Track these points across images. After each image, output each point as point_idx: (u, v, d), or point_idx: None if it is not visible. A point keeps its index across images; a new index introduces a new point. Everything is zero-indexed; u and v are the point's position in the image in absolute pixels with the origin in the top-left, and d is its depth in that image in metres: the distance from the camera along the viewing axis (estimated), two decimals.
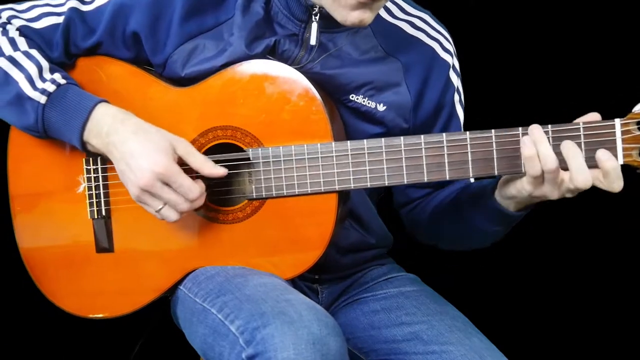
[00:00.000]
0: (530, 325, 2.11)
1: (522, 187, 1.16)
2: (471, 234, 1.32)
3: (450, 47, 1.37)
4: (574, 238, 2.09)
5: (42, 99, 1.26)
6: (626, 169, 1.14)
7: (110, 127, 1.24)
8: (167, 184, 1.21)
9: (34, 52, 1.29)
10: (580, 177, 1.11)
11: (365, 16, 1.19)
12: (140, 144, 1.22)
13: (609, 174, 1.10)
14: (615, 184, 1.11)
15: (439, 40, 1.35)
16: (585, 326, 2.09)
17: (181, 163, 1.23)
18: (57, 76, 1.28)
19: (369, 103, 1.31)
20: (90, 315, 1.36)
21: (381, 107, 1.31)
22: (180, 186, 1.21)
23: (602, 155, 1.11)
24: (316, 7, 1.25)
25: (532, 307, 2.10)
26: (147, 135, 1.23)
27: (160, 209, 1.23)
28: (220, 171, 1.24)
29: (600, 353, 2.07)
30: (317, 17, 1.26)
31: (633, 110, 1.14)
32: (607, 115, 1.15)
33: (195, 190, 1.22)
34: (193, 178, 1.23)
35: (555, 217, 2.00)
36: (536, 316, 2.11)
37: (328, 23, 1.27)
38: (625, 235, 2.05)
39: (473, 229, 1.30)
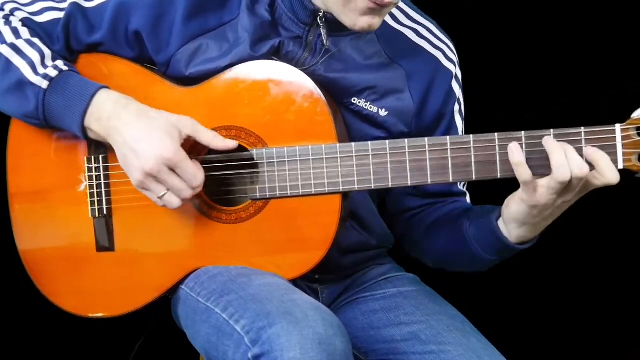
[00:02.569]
0: (530, 326, 2.13)
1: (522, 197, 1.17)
2: (462, 258, 1.33)
3: (454, 57, 1.38)
4: (573, 240, 2.11)
5: (44, 84, 1.25)
6: (625, 173, 1.17)
7: (112, 112, 1.23)
8: (172, 170, 1.21)
9: (37, 41, 1.29)
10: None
11: (374, 21, 1.21)
12: (145, 129, 1.21)
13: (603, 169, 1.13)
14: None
15: (443, 50, 1.36)
16: (584, 326, 2.11)
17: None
18: (60, 63, 1.27)
19: (370, 107, 1.32)
20: (90, 315, 1.36)
21: (383, 112, 1.33)
22: (186, 172, 1.22)
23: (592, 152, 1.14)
24: (321, 12, 1.26)
25: (532, 307, 2.12)
26: (151, 120, 1.22)
27: (163, 195, 1.22)
28: (230, 144, 1.25)
29: (599, 353, 2.10)
30: (323, 21, 1.27)
31: (632, 116, 1.17)
32: (607, 121, 1.18)
33: (200, 177, 1.22)
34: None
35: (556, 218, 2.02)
36: (535, 316, 2.12)
37: (332, 27, 1.27)
38: (625, 239, 2.08)
39: (466, 253, 1.30)
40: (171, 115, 1.25)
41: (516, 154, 1.16)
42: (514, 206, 1.20)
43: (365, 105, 1.32)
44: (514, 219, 1.21)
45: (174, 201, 1.23)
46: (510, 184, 1.27)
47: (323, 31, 1.27)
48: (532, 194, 1.16)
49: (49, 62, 1.27)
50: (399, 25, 1.35)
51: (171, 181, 1.21)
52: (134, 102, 1.25)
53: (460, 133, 1.40)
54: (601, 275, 2.11)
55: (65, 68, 1.27)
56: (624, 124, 1.17)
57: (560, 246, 2.12)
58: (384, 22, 1.32)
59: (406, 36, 1.35)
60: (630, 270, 2.10)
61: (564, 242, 2.12)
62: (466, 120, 1.41)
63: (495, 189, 1.25)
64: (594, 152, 1.15)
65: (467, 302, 1.43)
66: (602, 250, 2.11)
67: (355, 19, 1.20)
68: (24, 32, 1.30)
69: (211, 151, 1.28)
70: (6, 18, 1.31)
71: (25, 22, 1.31)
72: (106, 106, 1.24)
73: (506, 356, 1.27)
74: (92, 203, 1.33)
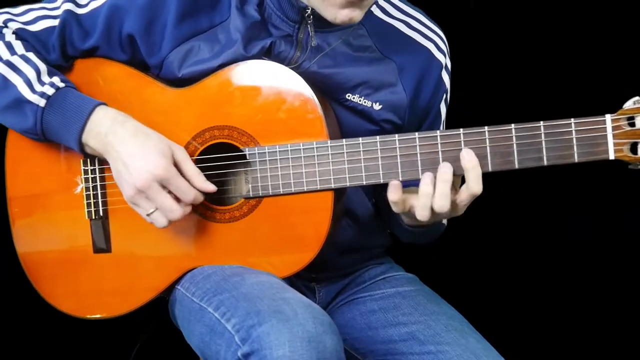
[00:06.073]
0: (529, 326, 2.11)
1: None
2: (398, 234, 1.40)
3: (444, 47, 1.39)
4: (571, 237, 2.10)
5: (42, 102, 1.27)
6: (618, 164, 1.16)
7: (109, 129, 1.25)
8: (163, 187, 1.23)
9: (31, 56, 1.30)
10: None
11: (354, 14, 1.21)
12: (140, 146, 1.23)
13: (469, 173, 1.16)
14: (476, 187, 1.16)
15: (434, 41, 1.37)
16: (583, 326, 2.09)
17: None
18: (56, 79, 1.29)
19: (365, 102, 1.33)
20: (88, 316, 1.37)
21: (377, 106, 1.33)
22: (177, 189, 1.23)
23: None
24: (309, 9, 1.27)
25: (531, 307, 2.10)
26: (146, 138, 1.24)
27: (152, 212, 1.24)
28: (209, 187, 1.26)
29: (599, 353, 2.07)
30: (311, 18, 1.28)
31: (623, 107, 1.17)
32: (598, 112, 1.17)
33: (190, 193, 1.23)
34: None
35: (554, 216, 2.01)
36: (534, 316, 2.11)
37: (321, 23, 1.28)
38: (622, 231, 2.06)
39: (396, 229, 1.38)
40: (166, 138, 1.26)
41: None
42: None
43: (360, 100, 1.32)
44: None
45: (161, 220, 1.24)
46: (507, 177, 1.27)
47: (311, 29, 1.28)
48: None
49: (45, 79, 1.28)
50: (389, 18, 1.36)
51: (160, 199, 1.23)
52: (131, 119, 1.27)
53: (443, 120, 1.42)
54: (601, 273, 2.09)
55: (61, 85, 1.29)
56: (615, 114, 1.16)
57: (560, 244, 2.11)
58: (374, 16, 1.34)
59: (397, 29, 1.35)
60: (630, 267, 2.07)
61: (562, 240, 2.11)
62: (457, 113, 1.42)
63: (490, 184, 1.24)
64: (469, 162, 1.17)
65: (466, 302, 1.42)
66: (601, 246, 2.09)
67: (335, 12, 1.21)
68: (18, 47, 1.31)
69: (204, 151, 1.29)
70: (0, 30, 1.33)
71: (19, 33, 1.33)
72: (104, 122, 1.26)
73: (505, 356, 1.26)
74: (89, 205, 1.34)
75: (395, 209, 1.21)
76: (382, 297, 1.40)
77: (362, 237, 1.41)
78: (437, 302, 1.37)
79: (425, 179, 1.18)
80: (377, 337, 1.35)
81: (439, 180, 1.17)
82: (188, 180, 1.25)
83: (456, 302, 1.38)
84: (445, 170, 1.17)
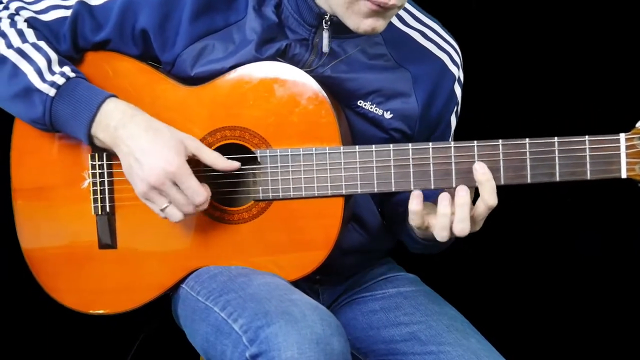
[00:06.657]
0: (529, 326, 2.13)
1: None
2: (408, 244, 1.39)
3: (459, 60, 1.39)
4: (574, 242, 2.12)
5: (51, 92, 1.25)
6: (628, 182, 1.17)
7: (119, 122, 1.24)
8: (175, 184, 1.22)
9: (43, 44, 1.28)
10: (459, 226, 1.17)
11: (378, 24, 1.21)
12: (151, 141, 1.22)
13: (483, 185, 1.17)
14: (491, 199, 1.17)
15: (449, 53, 1.37)
16: (584, 327, 2.11)
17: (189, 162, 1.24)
18: (67, 69, 1.27)
19: (376, 110, 1.32)
20: (91, 311, 1.36)
21: (388, 115, 1.33)
22: (188, 188, 1.22)
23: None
24: (327, 15, 1.26)
25: (531, 307, 2.12)
26: (157, 133, 1.23)
27: (166, 207, 1.23)
28: (234, 165, 1.25)
29: (599, 354, 2.10)
30: (328, 24, 1.27)
31: (637, 126, 1.17)
32: (612, 129, 1.18)
33: (202, 194, 1.23)
34: (200, 180, 1.24)
35: (556, 219, 2.02)
36: (535, 317, 2.13)
37: (338, 29, 1.27)
38: (631, 249, 2.08)
39: (406, 239, 1.37)
40: (177, 131, 1.25)
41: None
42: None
43: (371, 108, 1.32)
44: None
45: (176, 214, 1.23)
46: (515, 191, 1.27)
47: (326, 35, 1.27)
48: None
49: (56, 68, 1.27)
50: (405, 27, 1.35)
51: (174, 195, 1.22)
52: (141, 113, 1.25)
53: (452, 132, 1.42)
54: (602, 277, 2.11)
55: (72, 75, 1.27)
56: (629, 133, 1.17)
57: (561, 247, 2.13)
58: (391, 23, 1.32)
59: (413, 38, 1.35)
60: (631, 272, 2.10)
61: (564, 243, 2.13)
62: (470, 124, 1.42)
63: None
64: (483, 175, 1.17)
65: (467, 302, 1.43)
66: (603, 253, 2.11)
67: (359, 21, 1.20)
68: (30, 35, 1.29)
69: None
70: (11, 18, 1.30)
71: (31, 21, 1.30)
72: (113, 115, 1.24)
73: (506, 357, 1.27)
74: (95, 200, 1.33)
75: (413, 220, 1.20)
76: (383, 297, 1.41)
77: (369, 241, 1.41)
78: (438, 303, 1.39)
79: (444, 201, 1.17)
80: (378, 336, 1.36)
81: (457, 204, 1.16)
82: (210, 165, 1.24)
83: (456, 303, 1.39)
84: (462, 194, 1.16)
